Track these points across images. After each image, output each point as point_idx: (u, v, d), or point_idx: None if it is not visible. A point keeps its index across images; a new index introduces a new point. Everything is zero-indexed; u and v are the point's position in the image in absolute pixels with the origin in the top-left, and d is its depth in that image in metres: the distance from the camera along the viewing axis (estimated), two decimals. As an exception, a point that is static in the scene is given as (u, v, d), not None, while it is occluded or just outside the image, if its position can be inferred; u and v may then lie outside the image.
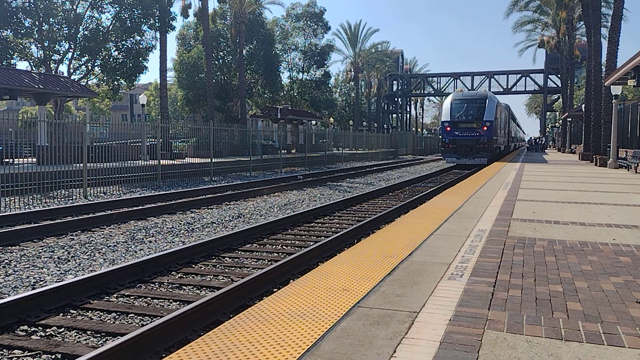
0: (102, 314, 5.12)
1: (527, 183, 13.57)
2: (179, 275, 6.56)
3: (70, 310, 5.18)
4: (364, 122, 70.42)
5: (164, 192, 15.41)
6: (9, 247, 8.11)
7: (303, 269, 6.69)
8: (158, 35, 32.63)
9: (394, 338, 2.93)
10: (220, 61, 44.07)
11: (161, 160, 19.21)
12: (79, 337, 4.51)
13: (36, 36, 28.70)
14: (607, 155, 23.21)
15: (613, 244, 5.69)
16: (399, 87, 78.63)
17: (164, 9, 31.78)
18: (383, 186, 18.35)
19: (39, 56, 29.75)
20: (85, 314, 5.12)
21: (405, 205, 12.48)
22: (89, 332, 4.61)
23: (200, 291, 5.89)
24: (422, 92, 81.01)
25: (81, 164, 15.20)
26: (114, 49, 31.64)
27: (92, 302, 5.41)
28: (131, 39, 31.64)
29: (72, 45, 29.81)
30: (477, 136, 28.26)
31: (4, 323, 4.68)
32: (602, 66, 27.11)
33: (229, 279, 6.32)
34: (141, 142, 23.24)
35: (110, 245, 8.32)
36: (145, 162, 19.50)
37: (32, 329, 4.69)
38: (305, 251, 7.11)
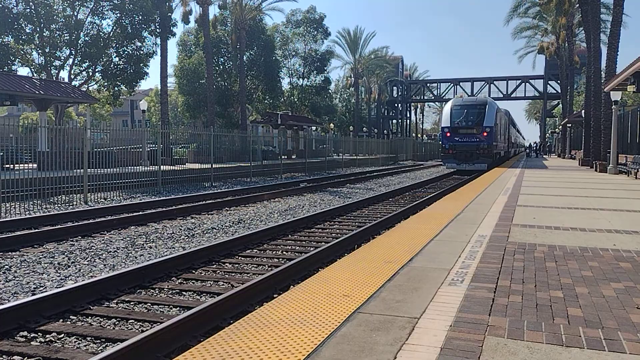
0: (102, 319, 5.11)
1: (527, 189, 13.57)
2: (179, 281, 6.55)
3: (70, 316, 5.18)
4: (364, 128, 70.53)
5: (165, 198, 15.41)
6: (9, 253, 8.10)
7: (303, 274, 6.68)
8: (159, 41, 32.71)
9: (395, 344, 2.93)
10: (221, 67, 44.20)
11: (162, 166, 19.22)
12: (79, 343, 4.51)
13: (37, 42, 28.75)
14: (607, 161, 23.21)
15: (613, 249, 5.69)
16: (399, 93, 78.68)
17: (164, 15, 31.87)
18: (383, 192, 18.34)
19: (40, 62, 29.79)
20: (85, 319, 5.11)
21: (406, 210, 12.47)
22: (88, 338, 4.60)
23: (201, 297, 5.88)
24: (422, 97, 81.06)
25: (82, 170, 15.21)
26: (115, 55, 31.68)
27: (92, 307, 5.40)
28: (132, 45, 31.67)
29: (72, 51, 29.86)
30: (477, 142, 28.28)
31: (3, 329, 4.67)
32: (602, 72, 27.16)
33: (229, 285, 6.32)
34: (142, 147, 23.26)
35: (110, 251, 8.31)
36: (146, 168, 19.50)
37: (31, 335, 4.68)
38: (306, 257, 7.10)
